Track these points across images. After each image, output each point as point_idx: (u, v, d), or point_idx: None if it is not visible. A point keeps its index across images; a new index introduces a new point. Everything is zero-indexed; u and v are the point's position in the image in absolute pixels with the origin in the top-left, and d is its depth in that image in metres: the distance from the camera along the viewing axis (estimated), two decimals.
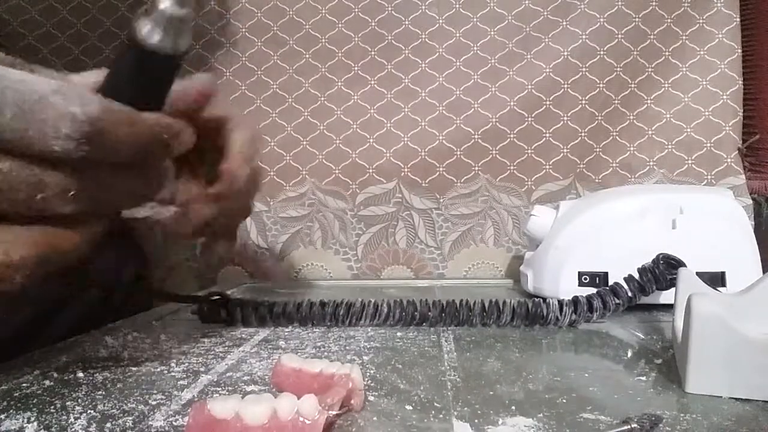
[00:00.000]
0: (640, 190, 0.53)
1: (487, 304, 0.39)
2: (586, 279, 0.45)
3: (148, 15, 0.23)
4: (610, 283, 0.40)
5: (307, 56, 0.68)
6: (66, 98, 0.21)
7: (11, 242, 0.21)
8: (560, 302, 0.38)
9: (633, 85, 0.65)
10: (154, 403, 0.25)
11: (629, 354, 0.33)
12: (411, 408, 0.24)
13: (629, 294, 0.39)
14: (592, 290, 0.40)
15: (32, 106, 0.20)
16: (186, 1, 0.24)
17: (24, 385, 0.28)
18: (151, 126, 0.24)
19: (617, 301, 0.39)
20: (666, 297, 0.41)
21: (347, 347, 0.34)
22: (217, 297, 0.41)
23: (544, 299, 0.39)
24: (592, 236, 0.46)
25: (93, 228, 0.24)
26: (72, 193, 0.22)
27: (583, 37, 0.65)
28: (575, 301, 0.39)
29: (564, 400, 0.25)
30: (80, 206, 0.23)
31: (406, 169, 0.67)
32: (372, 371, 0.29)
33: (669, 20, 0.64)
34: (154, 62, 0.24)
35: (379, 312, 0.39)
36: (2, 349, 0.32)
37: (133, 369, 0.30)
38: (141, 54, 0.24)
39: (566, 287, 0.45)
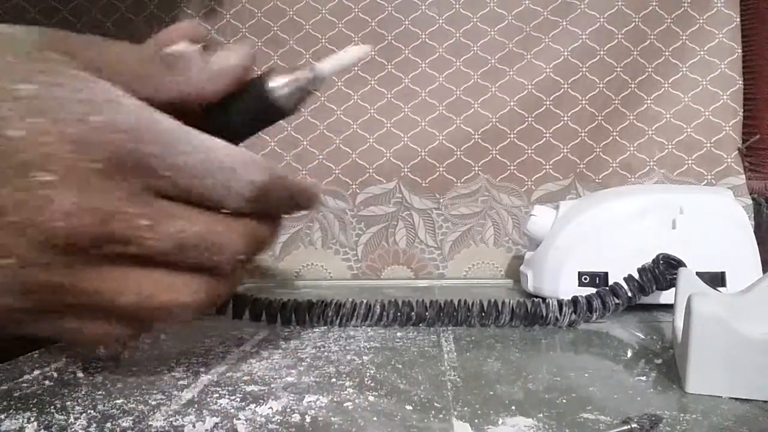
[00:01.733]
0: (640, 190, 0.53)
1: (485, 305, 0.39)
2: (586, 279, 0.45)
3: (288, 73, 0.25)
4: (610, 283, 0.40)
5: (307, 56, 0.68)
6: (246, 166, 0.22)
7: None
8: (560, 302, 0.38)
9: (633, 85, 0.65)
10: (154, 403, 0.25)
11: (629, 354, 0.33)
12: (411, 408, 0.24)
13: (629, 294, 0.39)
14: (592, 290, 0.40)
15: (216, 154, 0.21)
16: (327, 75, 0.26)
17: (24, 385, 0.28)
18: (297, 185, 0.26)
19: (617, 301, 0.39)
20: (666, 297, 0.41)
21: (347, 347, 0.34)
22: None
23: (544, 299, 0.39)
24: (592, 236, 0.46)
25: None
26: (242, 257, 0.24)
27: (583, 37, 0.65)
28: (575, 301, 0.39)
29: (564, 400, 0.25)
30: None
31: (406, 169, 0.67)
32: (372, 371, 0.29)
33: (669, 20, 0.64)
34: (269, 112, 0.26)
35: (372, 313, 0.39)
36: (3, 348, 0.32)
37: (133, 369, 0.30)
38: (264, 102, 0.25)
39: (566, 287, 0.45)
